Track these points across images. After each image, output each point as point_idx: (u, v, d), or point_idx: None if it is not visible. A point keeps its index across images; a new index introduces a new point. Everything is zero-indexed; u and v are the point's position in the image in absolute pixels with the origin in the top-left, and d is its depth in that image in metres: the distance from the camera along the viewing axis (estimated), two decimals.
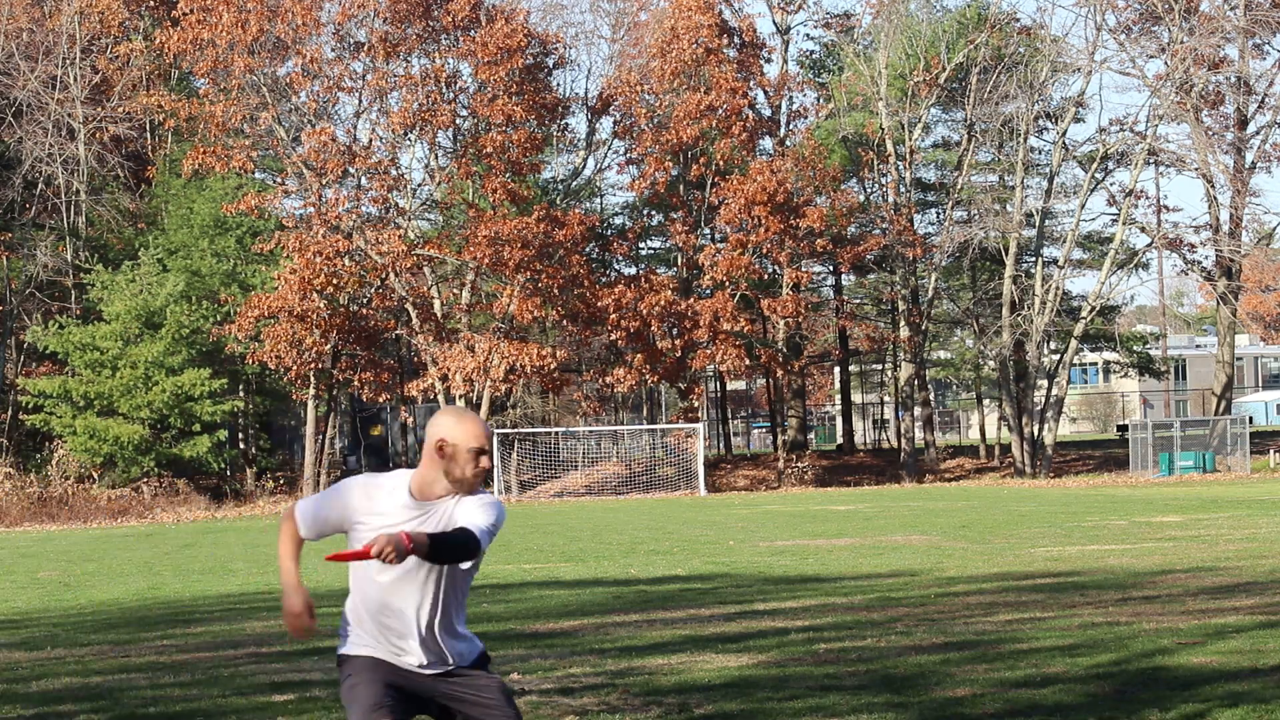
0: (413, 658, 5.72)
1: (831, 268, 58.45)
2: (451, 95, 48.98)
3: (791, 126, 56.19)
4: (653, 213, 57.23)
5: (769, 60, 55.76)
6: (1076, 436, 74.39)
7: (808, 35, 73.66)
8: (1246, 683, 9.25)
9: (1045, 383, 54.12)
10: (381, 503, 5.71)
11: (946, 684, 9.54)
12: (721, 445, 66.33)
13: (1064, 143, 53.27)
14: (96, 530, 36.61)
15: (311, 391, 47.56)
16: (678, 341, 49.55)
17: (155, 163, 53.09)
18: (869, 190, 56.52)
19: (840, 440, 67.87)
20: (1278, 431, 65.81)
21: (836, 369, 69.62)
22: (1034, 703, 8.82)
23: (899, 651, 10.93)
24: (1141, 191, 53.54)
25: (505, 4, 50.60)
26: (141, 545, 28.67)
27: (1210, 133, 52.74)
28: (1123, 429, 58.52)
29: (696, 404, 53.88)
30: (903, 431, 54.12)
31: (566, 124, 54.24)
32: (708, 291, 50.65)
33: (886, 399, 71.06)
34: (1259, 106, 53.26)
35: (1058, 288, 51.76)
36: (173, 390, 44.02)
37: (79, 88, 50.42)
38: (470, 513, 5.64)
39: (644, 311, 47.97)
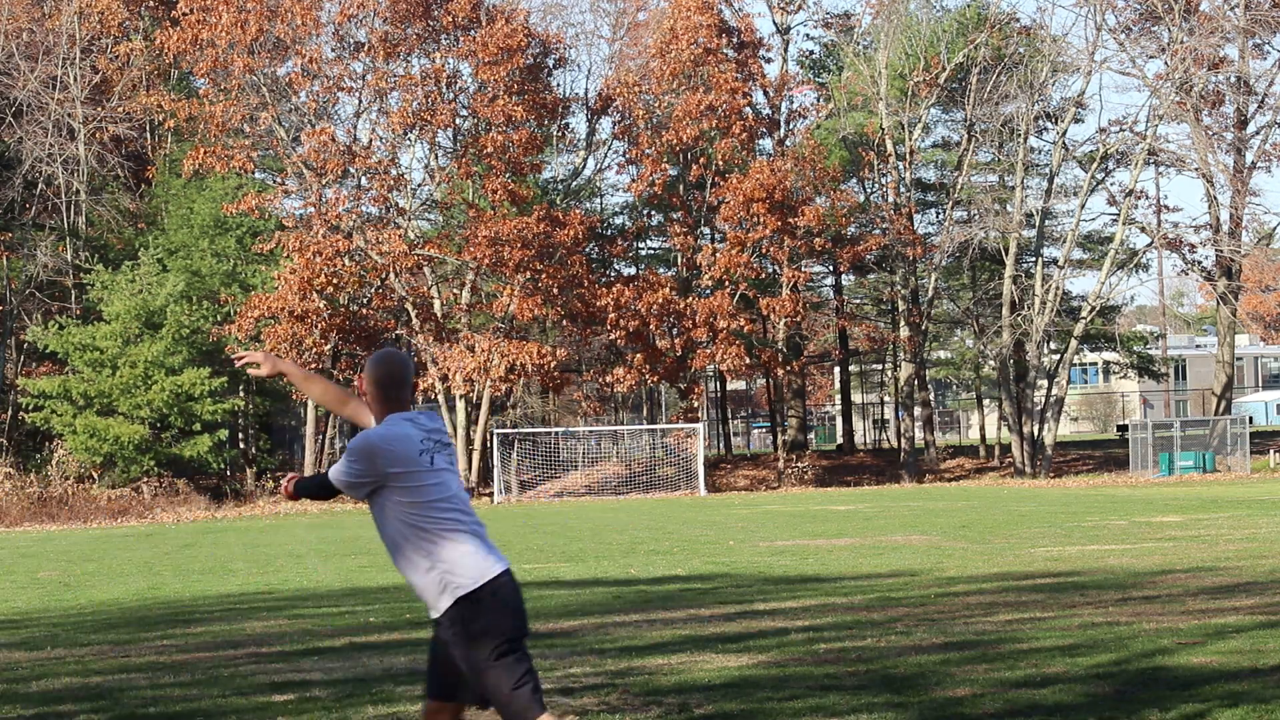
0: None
1: (831, 267, 58.46)
2: (451, 95, 48.99)
3: (791, 126, 56.20)
4: (652, 213, 57.25)
5: (769, 60, 55.78)
6: (1076, 436, 74.39)
7: (808, 35, 73.72)
8: (1246, 683, 9.26)
9: (1045, 383, 54.12)
10: None
11: (946, 684, 9.54)
12: (721, 445, 66.34)
13: (1064, 143, 53.27)
14: (96, 530, 36.61)
15: None
16: (677, 341, 49.56)
17: (155, 163, 53.11)
18: (869, 190, 56.53)
19: (840, 440, 67.87)
20: (1278, 431, 65.80)
21: (836, 369, 69.62)
22: (1034, 703, 8.82)
23: (899, 651, 10.93)
24: (1141, 191, 53.58)
25: (505, 4, 50.61)
26: (141, 545, 28.68)
27: (1210, 133, 52.73)
28: (1123, 429, 58.52)
29: (696, 404, 53.89)
30: (903, 431, 54.13)
31: (566, 124, 54.27)
32: (707, 291, 50.66)
33: (886, 399, 71.08)
34: (1259, 106, 53.26)
35: (1058, 288, 51.77)
36: (172, 390, 44.03)
37: (79, 88, 50.42)
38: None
39: (643, 310, 47.98)
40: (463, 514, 6.19)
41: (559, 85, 55.32)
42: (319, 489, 6.37)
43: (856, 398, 73.40)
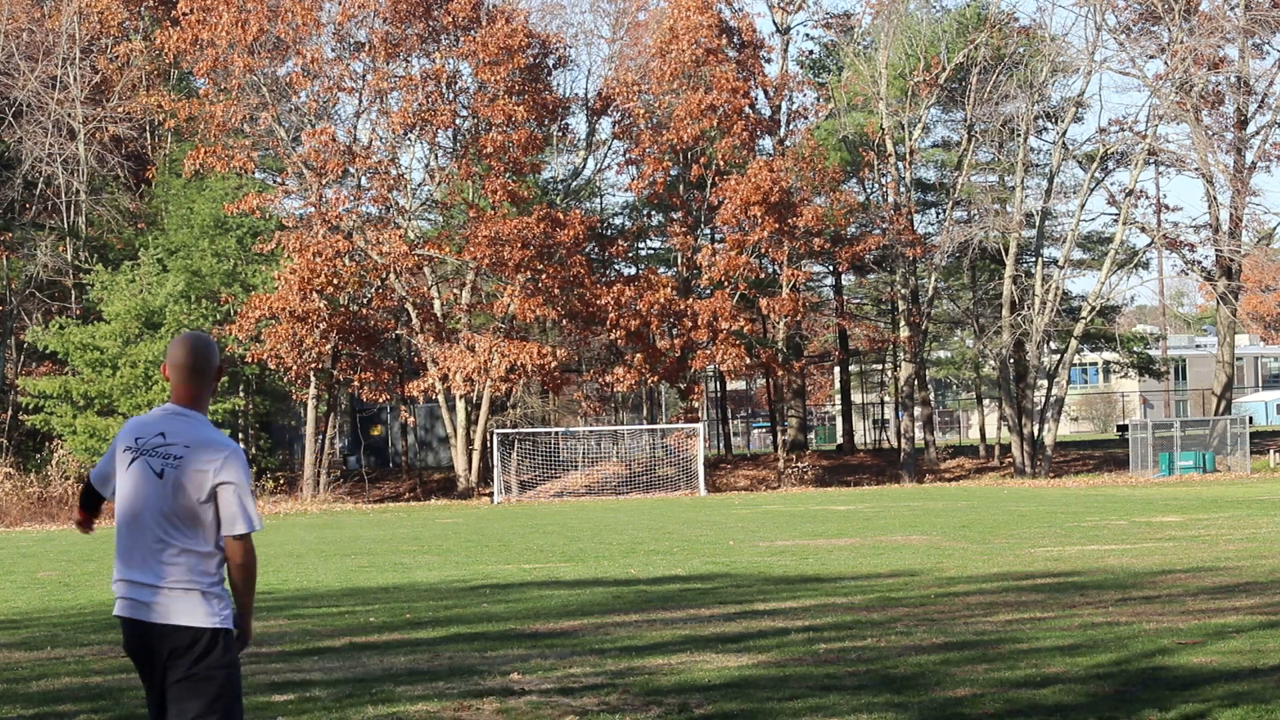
0: None
1: (831, 267, 58.46)
2: (451, 95, 48.99)
3: (791, 126, 56.19)
4: (652, 213, 57.24)
5: (769, 60, 55.78)
6: (1076, 436, 74.39)
7: (808, 35, 73.69)
8: (1246, 683, 9.26)
9: (1045, 383, 54.11)
10: None
11: (946, 684, 9.54)
12: (721, 445, 66.34)
13: (1064, 143, 53.26)
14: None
15: (311, 391, 47.58)
16: (677, 341, 49.56)
17: (155, 163, 53.09)
18: (869, 190, 56.52)
19: (840, 440, 67.87)
20: (1278, 431, 65.80)
21: (836, 369, 69.62)
22: (1034, 703, 8.82)
23: (899, 651, 10.94)
24: (1141, 191, 53.57)
25: (505, 4, 50.61)
26: None
27: (1210, 133, 52.72)
28: (1123, 429, 58.51)
29: (696, 404, 53.88)
30: (903, 431, 54.12)
31: (566, 124, 54.27)
32: (707, 291, 50.67)
33: (886, 399, 71.07)
34: (1259, 106, 53.26)
35: (1058, 288, 51.76)
36: None
37: (79, 88, 50.42)
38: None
39: (643, 310, 47.99)
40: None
41: (559, 85, 55.35)
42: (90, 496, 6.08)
43: (856, 398, 73.40)
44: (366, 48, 48.14)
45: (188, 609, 5.56)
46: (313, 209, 47.02)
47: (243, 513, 5.56)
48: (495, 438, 47.70)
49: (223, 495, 5.55)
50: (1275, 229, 57.04)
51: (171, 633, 5.56)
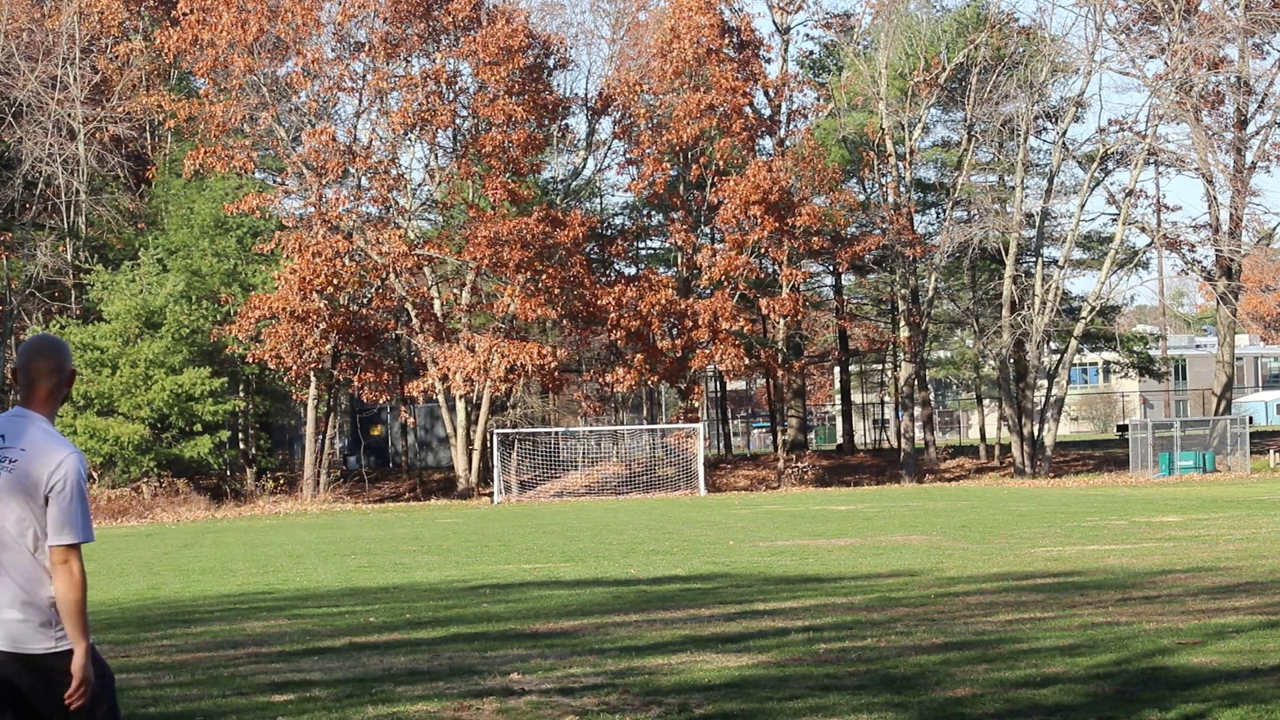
0: None
1: (831, 268, 58.46)
2: (451, 95, 48.99)
3: (791, 126, 56.19)
4: (652, 213, 57.22)
5: (769, 60, 55.77)
6: (1076, 436, 74.37)
7: (808, 35, 73.63)
8: (1246, 683, 9.26)
9: (1045, 383, 54.09)
10: None
11: (946, 684, 9.54)
12: (721, 445, 66.33)
13: (1064, 143, 53.26)
14: (96, 530, 36.56)
15: (311, 391, 47.57)
16: (677, 341, 49.56)
17: (155, 163, 53.09)
18: (869, 190, 56.52)
19: (840, 440, 67.87)
20: (1278, 431, 65.80)
21: (836, 369, 69.61)
22: (1034, 703, 8.82)
23: (899, 651, 10.94)
24: (1141, 191, 53.58)
25: (505, 4, 50.61)
26: (141, 545, 28.67)
27: (1210, 133, 52.72)
28: (1123, 429, 58.50)
29: (696, 404, 53.87)
30: (903, 431, 54.10)
31: (566, 124, 54.27)
32: (707, 291, 50.67)
33: (886, 399, 71.06)
34: (1259, 106, 53.25)
35: (1058, 288, 51.76)
36: (173, 389, 44.03)
37: (79, 88, 50.42)
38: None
39: (644, 311, 47.99)
40: None
41: (559, 85, 55.33)
42: None
43: (856, 398, 73.38)
44: (366, 48, 48.13)
45: (34, 632, 5.18)
46: (313, 209, 47.01)
47: (71, 520, 5.13)
48: (495, 438, 47.70)
49: (53, 500, 5.12)
50: (1275, 229, 57.04)
51: (19, 661, 5.18)
